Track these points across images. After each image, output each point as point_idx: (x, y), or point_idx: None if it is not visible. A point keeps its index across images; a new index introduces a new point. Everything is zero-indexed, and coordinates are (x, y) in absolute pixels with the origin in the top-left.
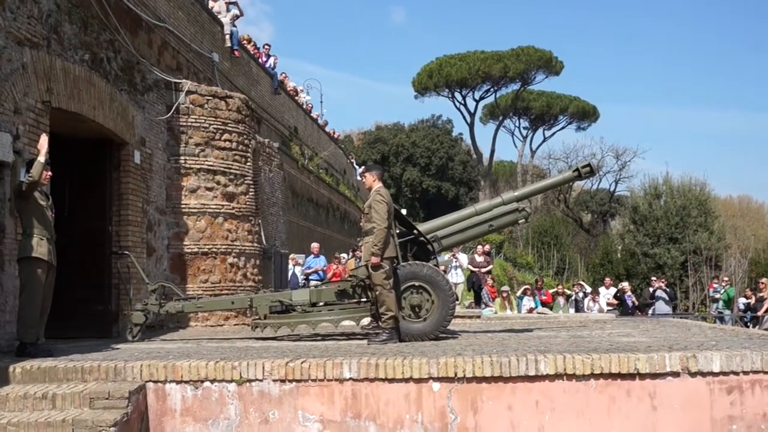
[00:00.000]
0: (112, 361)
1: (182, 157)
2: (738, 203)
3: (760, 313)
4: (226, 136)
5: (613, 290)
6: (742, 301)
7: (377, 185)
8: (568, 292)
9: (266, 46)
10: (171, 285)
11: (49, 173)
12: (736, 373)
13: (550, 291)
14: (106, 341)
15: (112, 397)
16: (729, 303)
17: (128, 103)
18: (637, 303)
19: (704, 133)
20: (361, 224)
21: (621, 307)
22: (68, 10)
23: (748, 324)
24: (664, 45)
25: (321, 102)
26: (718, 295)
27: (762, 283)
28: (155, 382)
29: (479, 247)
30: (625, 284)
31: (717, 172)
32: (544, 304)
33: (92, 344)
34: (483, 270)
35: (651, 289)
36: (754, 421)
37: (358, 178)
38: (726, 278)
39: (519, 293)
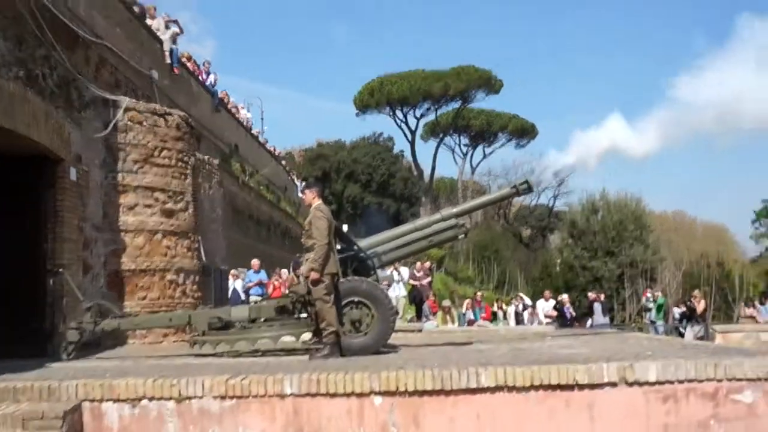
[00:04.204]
0: (45, 380)
1: (120, 174)
2: (672, 218)
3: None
4: (165, 153)
5: (552, 302)
6: (676, 310)
7: (317, 202)
8: (505, 307)
9: (206, 63)
10: (106, 303)
11: None
12: (671, 382)
13: (491, 309)
14: (39, 360)
15: (46, 418)
16: (661, 311)
17: (64, 120)
18: (575, 315)
19: (639, 149)
20: (302, 240)
21: (560, 318)
22: (2, 26)
23: (683, 333)
24: (603, 62)
25: (262, 119)
26: (650, 305)
27: (694, 295)
28: (91, 401)
29: (418, 263)
30: (565, 296)
31: (652, 188)
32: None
33: (25, 363)
34: (424, 282)
35: (589, 300)
36: (689, 429)
37: (300, 194)
38: (658, 292)
39: (464, 309)
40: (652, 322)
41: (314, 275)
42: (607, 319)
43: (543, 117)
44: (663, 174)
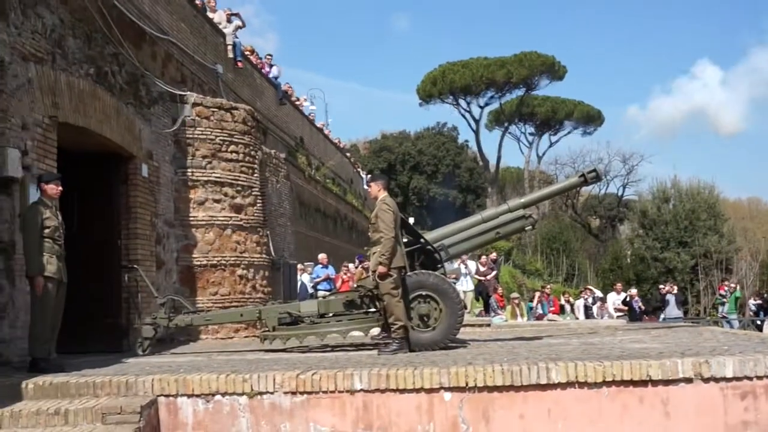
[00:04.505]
0: (123, 375)
1: (189, 170)
2: (747, 205)
3: None
4: (232, 147)
5: (624, 295)
6: (752, 303)
7: (383, 194)
8: (572, 300)
9: (268, 56)
10: (180, 298)
11: (60, 188)
12: (750, 378)
13: (559, 303)
14: (116, 355)
15: (124, 412)
16: (736, 304)
17: (134, 116)
18: (644, 308)
19: (712, 135)
20: (369, 234)
21: (630, 312)
22: (72, 24)
23: (761, 326)
24: (666, 46)
25: (326, 112)
26: (725, 299)
27: None
28: (167, 396)
29: (483, 257)
30: (633, 291)
31: (726, 174)
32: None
33: (103, 359)
34: (489, 277)
35: (661, 293)
36: None
37: (366, 187)
38: (732, 284)
39: (534, 303)
40: (724, 317)
41: (382, 269)
42: (680, 313)
43: (609, 103)
44: (741, 154)
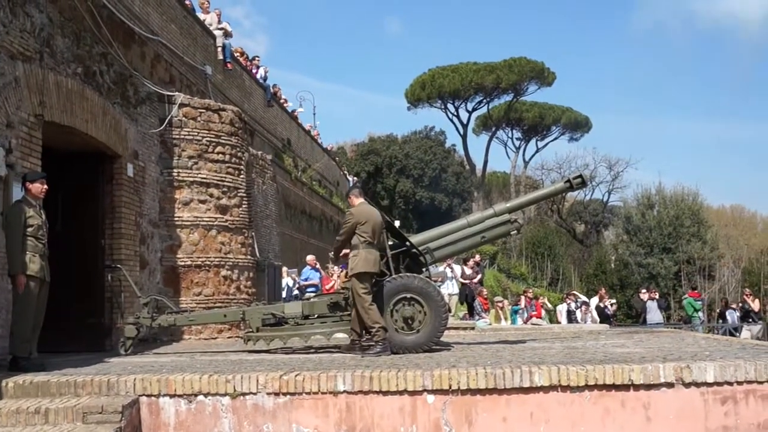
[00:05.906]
0: (105, 375)
1: (175, 170)
2: (731, 212)
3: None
4: (219, 148)
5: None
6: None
7: (357, 202)
8: (549, 305)
9: (256, 59)
10: (163, 298)
11: (45, 187)
12: (730, 384)
13: (542, 307)
14: (98, 355)
15: (105, 412)
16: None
17: (121, 116)
18: (614, 313)
19: (696, 143)
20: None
21: (605, 319)
22: (61, 23)
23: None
24: (656, 54)
25: (314, 114)
26: (701, 306)
27: (747, 294)
28: (149, 396)
29: (471, 260)
30: (608, 300)
31: (709, 181)
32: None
33: (85, 358)
34: (474, 281)
35: (643, 299)
36: (749, 431)
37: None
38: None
39: (522, 305)
40: (702, 322)
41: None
42: (662, 318)
43: (597, 110)
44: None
